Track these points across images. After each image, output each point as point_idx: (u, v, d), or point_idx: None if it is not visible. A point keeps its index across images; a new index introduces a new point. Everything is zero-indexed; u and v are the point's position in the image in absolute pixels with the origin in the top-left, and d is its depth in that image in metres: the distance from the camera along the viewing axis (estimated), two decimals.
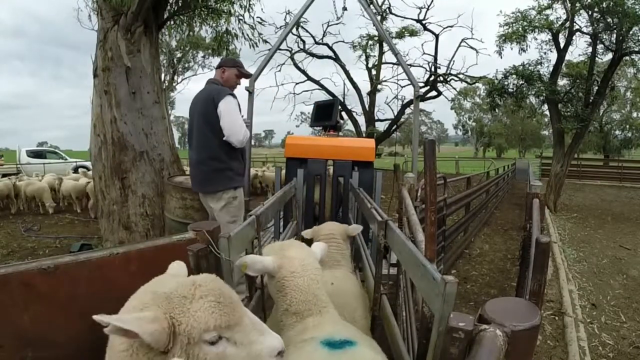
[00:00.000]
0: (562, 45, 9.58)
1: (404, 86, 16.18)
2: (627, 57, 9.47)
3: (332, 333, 0.97)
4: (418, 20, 15.47)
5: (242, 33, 6.43)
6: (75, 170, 13.57)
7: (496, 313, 0.72)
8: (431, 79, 15.89)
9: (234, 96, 2.73)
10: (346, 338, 0.94)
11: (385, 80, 17.46)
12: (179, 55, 20.13)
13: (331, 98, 13.90)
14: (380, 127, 17.13)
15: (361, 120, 17.13)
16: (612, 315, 3.93)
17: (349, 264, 2.02)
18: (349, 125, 17.25)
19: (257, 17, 6.64)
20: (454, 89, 16.96)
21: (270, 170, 10.89)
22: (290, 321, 1.20)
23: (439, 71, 15.80)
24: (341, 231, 2.03)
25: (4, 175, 10.51)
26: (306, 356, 0.93)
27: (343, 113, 9.71)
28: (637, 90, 20.59)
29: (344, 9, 12.60)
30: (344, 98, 16.12)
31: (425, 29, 15.55)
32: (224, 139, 2.63)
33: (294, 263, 1.26)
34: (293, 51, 15.77)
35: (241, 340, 0.80)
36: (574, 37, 9.40)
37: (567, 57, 9.93)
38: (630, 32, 8.46)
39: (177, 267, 1.04)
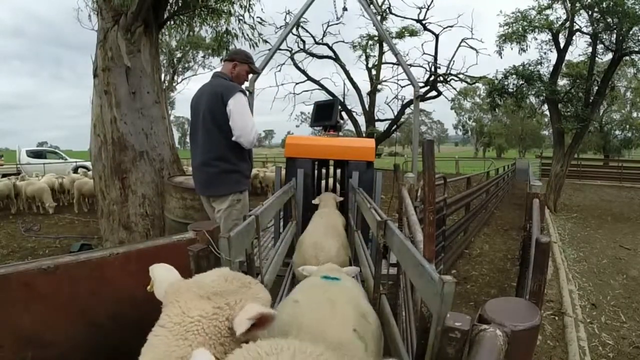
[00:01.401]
0: (562, 45, 9.58)
1: (404, 86, 16.22)
2: (627, 57, 9.47)
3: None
4: (418, 20, 15.48)
5: (242, 33, 6.42)
6: (75, 170, 13.58)
7: (496, 313, 0.72)
8: (431, 79, 15.90)
9: (244, 93, 2.54)
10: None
11: (385, 80, 17.50)
12: (179, 55, 20.12)
13: (331, 98, 13.90)
14: (380, 127, 17.16)
15: (361, 120, 17.16)
16: (612, 315, 3.93)
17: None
18: (349, 125, 17.27)
19: (257, 17, 6.61)
20: (454, 89, 17.01)
21: (270, 170, 10.89)
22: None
23: (439, 71, 15.83)
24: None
25: (4, 175, 10.51)
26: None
27: (343, 113, 9.71)
28: (637, 90, 20.60)
29: (344, 9, 12.58)
30: (344, 98, 16.15)
31: (425, 29, 15.56)
32: (233, 139, 2.46)
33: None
34: (293, 51, 15.79)
35: None
36: (574, 37, 9.40)
37: (567, 57, 9.94)
38: (630, 32, 8.46)
39: (167, 271, 0.94)
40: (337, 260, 2.13)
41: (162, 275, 0.87)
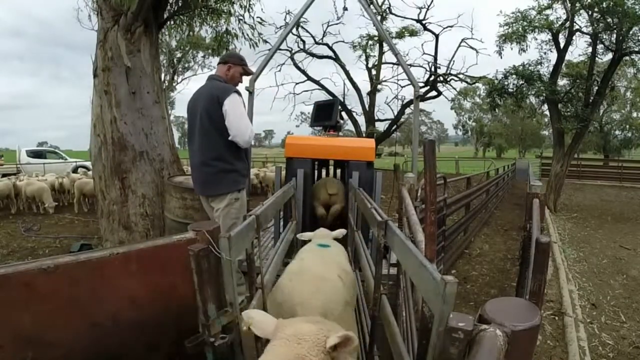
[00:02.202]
0: (562, 45, 9.58)
1: (404, 86, 16.17)
2: (627, 57, 9.47)
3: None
4: (418, 20, 15.46)
5: (242, 33, 6.43)
6: (75, 170, 13.58)
7: (496, 313, 0.72)
8: (431, 79, 15.87)
9: (239, 94, 2.62)
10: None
11: (385, 80, 17.45)
12: (179, 55, 20.10)
13: (331, 98, 13.89)
14: (380, 127, 17.13)
15: (361, 120, 17.12)
16: (612, 315, 3.93)
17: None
18: (349, 125, 17.25)
19: (257, 17, 6.63)
20: (454, 89, 16.95)
21: (270, 170, 10.89)
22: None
23: (439, 71, 15.80)
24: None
25: (4, 175, 10.51)
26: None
27: (343, 113, 9.71)
28: (637, 90, 20.58)
29: (344, 9, 12.53)
30: (344, 98, 16.11)
31: (425, 29, 15.54)
32: (230, 138, 2.52)
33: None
34: (293, 51, 15.76)
35: None
36: (574, 37, 9.41)
37: (567, 57, 9.95)
38: (630, 32, 8.47)
39: (264, 314, 1.22)
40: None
41: (263, 315, 1.12)
